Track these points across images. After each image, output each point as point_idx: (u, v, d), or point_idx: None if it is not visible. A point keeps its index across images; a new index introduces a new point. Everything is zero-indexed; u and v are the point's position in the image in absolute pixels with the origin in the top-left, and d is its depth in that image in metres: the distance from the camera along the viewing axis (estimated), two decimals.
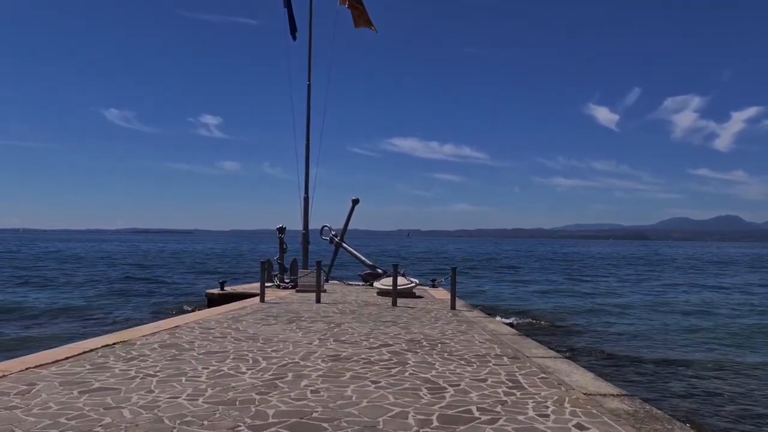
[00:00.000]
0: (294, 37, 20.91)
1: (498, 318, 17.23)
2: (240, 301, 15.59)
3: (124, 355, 8.15)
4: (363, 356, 8.26)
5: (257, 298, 15.50)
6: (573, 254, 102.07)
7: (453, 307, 14.54)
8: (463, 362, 8.04)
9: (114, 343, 8.97)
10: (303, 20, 21.50)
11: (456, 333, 10.71)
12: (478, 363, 8.01)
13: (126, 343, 9.09)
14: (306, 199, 21.11)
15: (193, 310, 18.52)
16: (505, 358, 8.47)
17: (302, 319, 12.14)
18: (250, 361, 7.78)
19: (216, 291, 18.31)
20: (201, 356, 8.12)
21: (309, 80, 21.28)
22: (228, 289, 18.77)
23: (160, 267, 50.13)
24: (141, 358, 7.95)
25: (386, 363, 7.82)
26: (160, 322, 11.73)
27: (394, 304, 14.95)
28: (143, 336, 9.73)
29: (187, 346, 8.90)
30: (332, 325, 11.32)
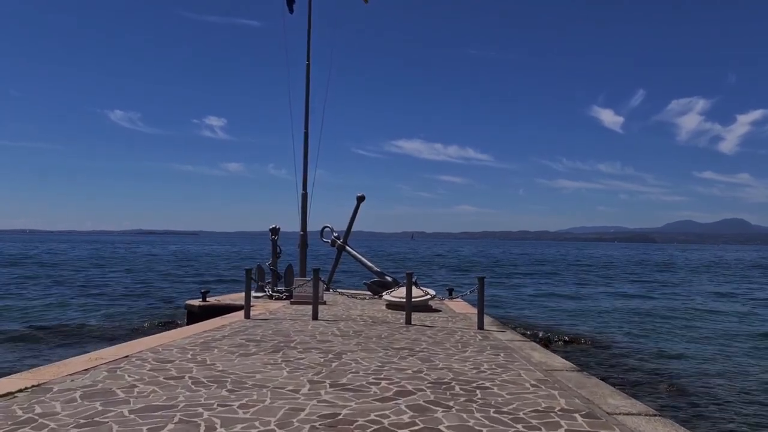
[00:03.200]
0: (291, 10, 18.25)
1: (525, 335, 14.48)
2: (222, 317, 12.93)
3: (21, 412, 5.51)
4: (373, 416, 5.58)
5: (243, 312, 12.84)
6: (586, 257, 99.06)
7: (481, 326, 11.83)
8: (521, 425, 5.36)
9: (19, 391, 6.31)
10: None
11: (495, 368, 8.02)
12: (544, 429, 5.33)
13: (39, 389, 6.44)
14: (304, 196, 18.44)
15: (164, 326, 15.99)
16: (578, 417, 5.79)
17: (292, 345, 9.45)
18: (201, 430, 5.11)
19: (197, 302, 15.65)
20: (132, 415, 5.46)
21: (308, 59, 18.62)
22: (212, 300, 16.11)
23: (151, 271, 47.48)
24: (44, 417, 5.31)
25: (408, 429, 5.15)
26: (106, 350, 9.06)
27: (408, 322, 12.25)
28: (70, 375, 7.08)
29: (121, 394, 6.24)
30: (330, 355, 8.62)
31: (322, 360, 8.24)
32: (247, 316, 12.55)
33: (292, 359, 8.26)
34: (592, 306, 26.96)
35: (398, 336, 10.65)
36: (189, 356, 8.40)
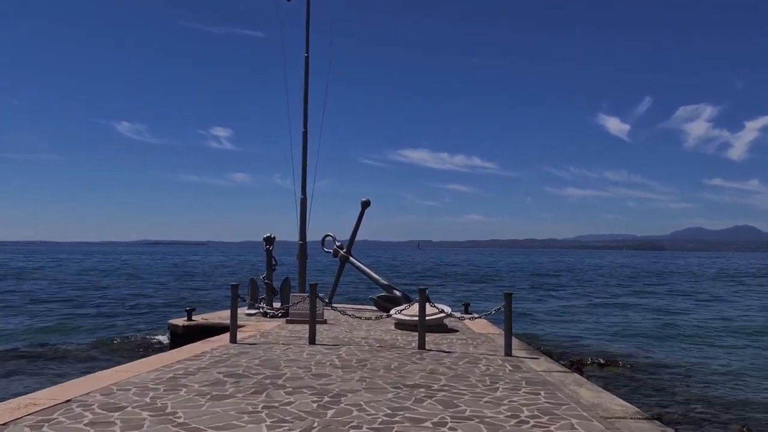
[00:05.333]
0: None
1: (554, 362, 12.60)
2: (204, 341, 11.11)
3: None
4: None
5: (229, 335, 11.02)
6: (597, 265, 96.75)
7: (508, 352, 9.97)
8: None
9: None
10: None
11: (538, 415, 6.17)
12: None
13: None
14: (303, 201, 16.67)
15: (143, 350, 14.33)
16: None
17: (280, 381, 7.62)
18: None
19: (181, 322, 13.87)
20: None
21: (307, 52, 16.90)
22: (199, 318, 14.33)
23: (148, 283, 45.73)
24: None
25: None
26: (44, 392, 7.24)
27: (422, 346, 10.40)
28: None
29: None
30: (326, 398, 6.79)
31: (315, 406, 6.41)
32: (233, 339, 10.73)
33: (276, 405, 6.43)
34: (616, 320, 24.96)
35: (411, 367, 8.80)
36: (147, 400, 6.59)
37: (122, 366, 8.82)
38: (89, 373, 8.99)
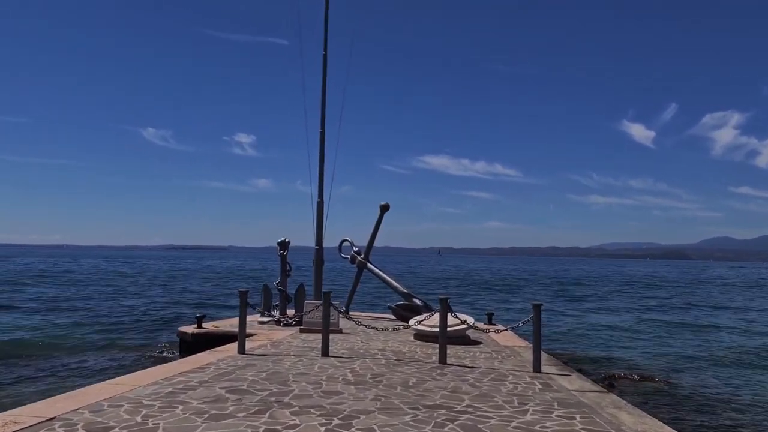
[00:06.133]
0: None
1: (589, 381, 11.72)
2: (211, 351, 10.47)
3: None
4: None
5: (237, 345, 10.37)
6: (625, 274, 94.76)
7: (537, 368, 9.17)
8: None
9: None
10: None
11: None
12: None
13: None
14: (320, 204, 16.02)
15: (152, 359, 13.79)
16: None
17: (286, 399, 6.93)
18: None
19: (190, 330, 13.29)
20: None
21: (324, 49, 16.32)
22: (209, 325, 13.74)
23: (167, 287, 45.50)
24: None
25: None
26: (30, 407, 6.63)
27: (443, 361, 9.64)
28: None
29: None
30: (336, 420, 6.07)
31: (322, 430, 5.70)
32: (241, 350, 10.08)
33: (279, 428, 5.74)
34: (649, 331, 23.82)
35: (431, 383, 8.05)
36: (138, 419, 5.95)
37: (119, 378, 8.19)
38: (86, 385, 8.38)
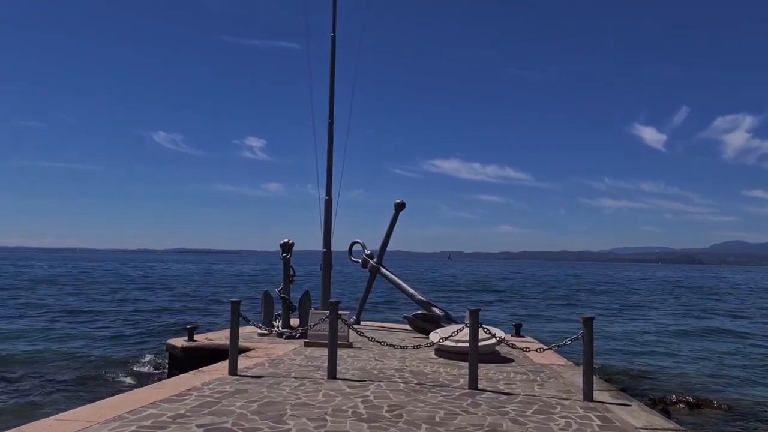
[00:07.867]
0: None
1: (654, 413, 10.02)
2: (197, 372, 8.89)
3: None
4: None
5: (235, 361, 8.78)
6: (642, 279, 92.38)
7: (589, 396, 7.53)
8: None
9: None
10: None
11: None
12: None
13: None
14: (328, 203, 14.48)
15: (136, 377, 12.33)
16: None
17: None
18: None
19: (180, 342, 11.74)
20: None
21: (333, 31, 14.80)
22: (201, 338, 12.19)
23: (170, 291, 43.97)
24: None
25: None
26: None
27: (474, 385, 8.00)
28: None
29: None
30: None
31: None
32: (233, 371, 8.51)
33: None
34: (691, 344, 21.80)
35: (463, 419, 6.42)
36: None
37: (72, 412, 6.57)
38: (28, 419, 6.80)
